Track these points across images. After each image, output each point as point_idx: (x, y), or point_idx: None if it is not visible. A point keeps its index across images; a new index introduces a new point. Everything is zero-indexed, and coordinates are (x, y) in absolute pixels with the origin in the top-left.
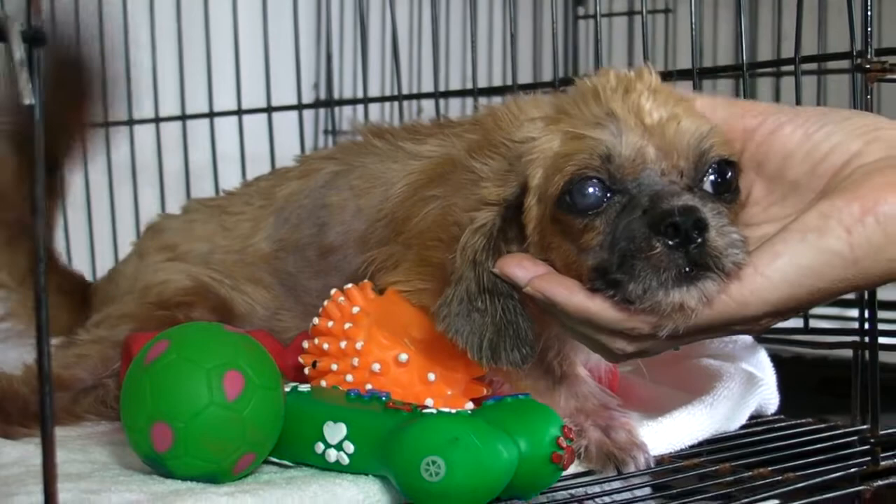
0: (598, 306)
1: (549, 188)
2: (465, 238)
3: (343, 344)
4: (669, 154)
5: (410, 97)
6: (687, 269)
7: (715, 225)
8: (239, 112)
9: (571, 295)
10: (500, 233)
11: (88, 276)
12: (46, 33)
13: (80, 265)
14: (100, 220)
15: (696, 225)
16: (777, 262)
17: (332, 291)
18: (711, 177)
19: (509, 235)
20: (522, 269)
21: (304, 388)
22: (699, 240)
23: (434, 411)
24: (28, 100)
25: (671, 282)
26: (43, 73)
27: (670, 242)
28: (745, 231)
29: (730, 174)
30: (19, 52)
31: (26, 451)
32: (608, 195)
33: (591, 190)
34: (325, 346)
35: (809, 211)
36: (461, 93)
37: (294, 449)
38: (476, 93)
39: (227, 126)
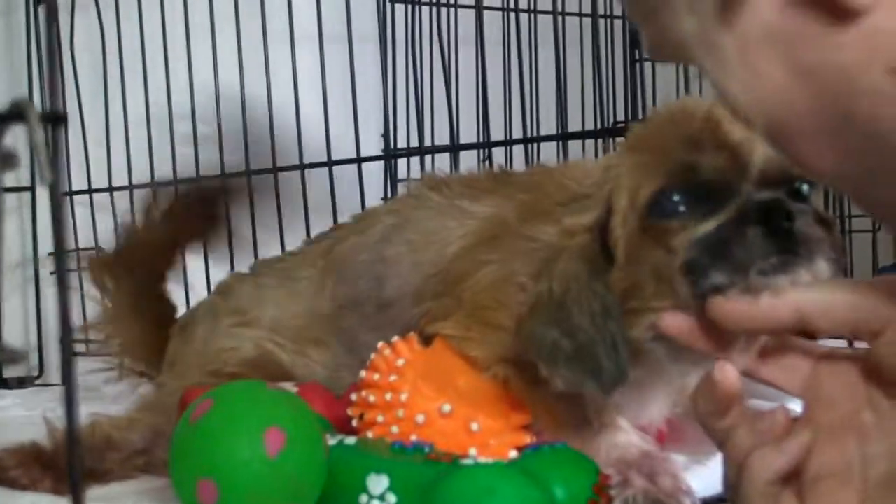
0: None
1: (637, 202)
2: (563, 265)
3: (388, 396)
4: (753, 166)
5: (464, 147)
6: (778, 256)
7: (801, 216)
8: (330, 163)
9: None
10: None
11: None
12: (64, 113)
13: None
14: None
15: (785, 214)
16: None
17: (379, 344)
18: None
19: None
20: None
21: (351, 440)
22: (790, 225)
23: (471, 462)
24: (48, 177)
25: (769, 268)
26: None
27: (760, 230)
28: None
29: (807, 188)
30: (39, 132)
31: None
32: (695, 200)
33: (677, 198)
34: (371, 398)
35: None
36: (502, 142)
37: (339, 500)
38: (527, 141)
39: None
